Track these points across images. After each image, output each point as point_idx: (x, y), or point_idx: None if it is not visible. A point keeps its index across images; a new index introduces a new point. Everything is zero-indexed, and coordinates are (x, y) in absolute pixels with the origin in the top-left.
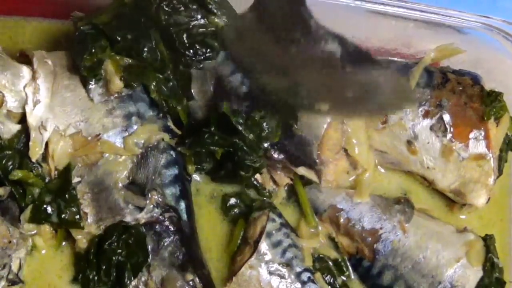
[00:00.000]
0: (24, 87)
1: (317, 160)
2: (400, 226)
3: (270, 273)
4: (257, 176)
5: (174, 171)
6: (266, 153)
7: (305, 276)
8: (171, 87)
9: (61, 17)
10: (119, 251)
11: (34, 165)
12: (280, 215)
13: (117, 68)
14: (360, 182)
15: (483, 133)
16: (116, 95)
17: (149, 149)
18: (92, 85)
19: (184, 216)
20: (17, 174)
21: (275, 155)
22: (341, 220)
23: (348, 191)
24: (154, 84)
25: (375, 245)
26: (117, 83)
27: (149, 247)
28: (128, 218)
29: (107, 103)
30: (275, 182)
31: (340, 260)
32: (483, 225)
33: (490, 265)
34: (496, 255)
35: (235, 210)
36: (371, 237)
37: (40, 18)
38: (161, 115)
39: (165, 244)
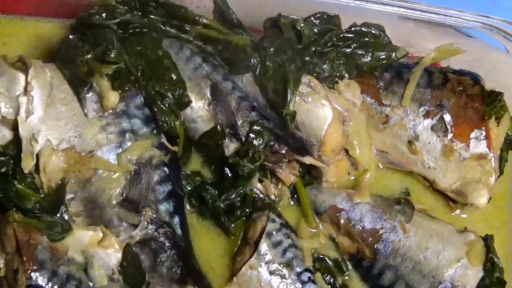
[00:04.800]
0: (19, 95)
1: None
2: (400, 226)
3: (271, 273)
4: (259, 186)
5: (167, 187)
6: (271, 149)
7: (305, 276)
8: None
9: (61, 16)
10: None
11: (28, 174)
12: (280, 216)
13: (107, 79)
14: (360, 183)
15: (484, 133)
16: (110, 111)
17: (142, 165)
18: (86, 100)
19: (179, 231)
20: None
21: (279, 149)
22: (342, 220)
23: (349, 191)
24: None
25: (375, 245)
26: (112, 100)
27: (146, 265)
28: (123, 236)
29: (102, 119)
30: (278, 181)
31: (340, 260)
32: (485, 226)
33: (490, 265)
34: (497, 255)
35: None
36: (372, 237)
37: (39, 17)
38: (155, 131)
39: (162, 260)
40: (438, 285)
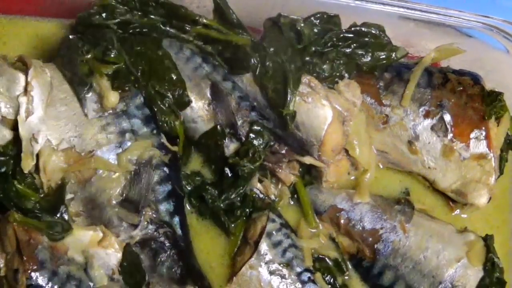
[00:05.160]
0: (19, 95)
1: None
2: (400, 226)
3: (271, 273)
4: (259, 186)
5: (167, 187)
6: (271, 149)
7: (305, 276)
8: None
9: (61, 16)
10: None
11: (28, 174)
12: (280, 216)
13: (108, 79)
14: (360, 182)
15: (483, 133)
16: (110, 111)
17: (142, 165)
18: (86, 100)
19: (179, 231)
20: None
21: (279, 149)
22: (342, 220)
23: (349, 191)
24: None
25: (375, 245)
26: (112, 100)
27: (146, 265)
28: (123, 236)
29: (102, 119)
30: (278, 181)
31: (340, 260)
32: (485, 226)
33: (490, 265)
34: (496, 255)
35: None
36: (372, 237)
37: (39, 17)
38: (155, 131)
39: (162, 259)
40: (438, 285)
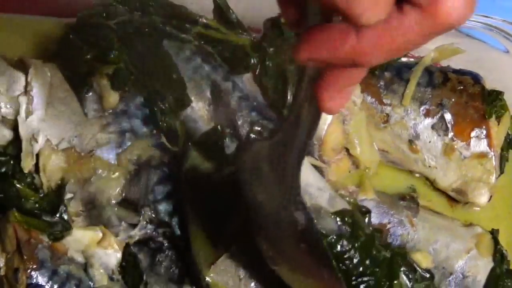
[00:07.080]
0: (19, 95)
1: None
2: (408, 220)
3: None
4: None
5: (167, 187)
6: None
7: None
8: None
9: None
10: None
11: (27, 174)
12: None
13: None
14: (363, 180)
15: (484, 132)
16: (110, 111)
17: (141, 165)
18: (86, 100)
19: (178, 231)
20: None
21: None
22: None
23: (353, 188)
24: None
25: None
26: (111, 100)
27: (144, 265)
28: (122, 236)
29: (102, 118)
30: None
31: None
32: (489, 223)
33: (500, 256)
34: (504, 248)
35: None
36: (380, 232)
37: (39, 16)
38: (154, 131)
39: (160, 259)
40: (449, 276)
